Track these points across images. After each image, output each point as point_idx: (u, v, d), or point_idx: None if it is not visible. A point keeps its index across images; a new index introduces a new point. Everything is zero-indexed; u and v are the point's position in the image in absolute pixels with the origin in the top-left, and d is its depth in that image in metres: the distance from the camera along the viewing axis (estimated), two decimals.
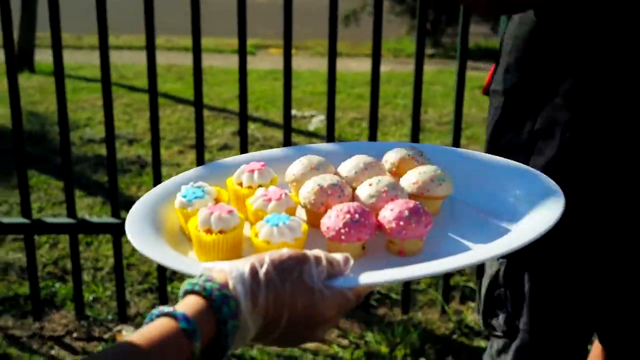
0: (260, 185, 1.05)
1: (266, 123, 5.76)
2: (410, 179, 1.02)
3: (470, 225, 0.98)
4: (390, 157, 1.10)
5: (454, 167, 1.09)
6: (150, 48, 2.68)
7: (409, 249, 0.91)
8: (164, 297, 2.94)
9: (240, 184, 1.06)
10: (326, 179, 0.98)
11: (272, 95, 6.67)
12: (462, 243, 0.93)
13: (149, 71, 2.73)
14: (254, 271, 0.75)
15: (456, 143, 2.80)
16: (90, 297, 3.09)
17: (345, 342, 2.82)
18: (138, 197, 1.17)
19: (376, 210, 0.94)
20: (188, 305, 0.72)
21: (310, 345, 2.78)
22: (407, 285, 2.95)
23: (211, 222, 0.91)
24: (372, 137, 2.91)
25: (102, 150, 4.89)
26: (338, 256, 0.81)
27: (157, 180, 2.79)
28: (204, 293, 0.73)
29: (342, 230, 0.88)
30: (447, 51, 9.70)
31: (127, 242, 3.36)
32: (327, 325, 0.79)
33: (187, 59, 9.08)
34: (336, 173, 1.06)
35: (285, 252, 0.78)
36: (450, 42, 9.94)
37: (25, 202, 2.80)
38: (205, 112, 5.91)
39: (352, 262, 0.81)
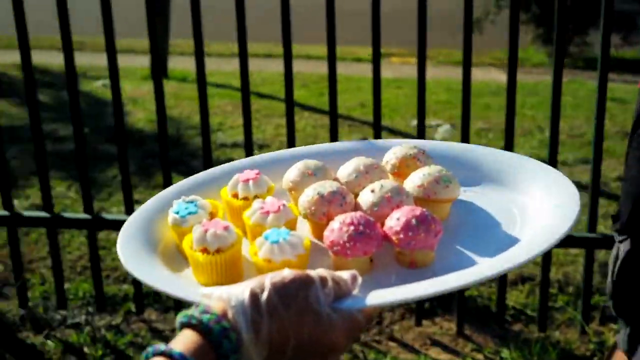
0: (256, 196, 0.97)
1: (392, 131, 5.80)
2: (415, 182, 0.93)
3: (482, 230, 0.89)
4: (391, 158, 1.01)
5: (461, 164, 1.00)
6: (288, 58, 2.76)
7: (420, 260, 0.84)
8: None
9: (236, 195, 0.98)
10: (326, 187, 0.91)
11: (396, 103, 6.71)
12: (475, 251, 0.84)
13: (285, 79, 2.81)
14: (254, 298, 0.69)
15: (597, 157, 2.74)
16: None
17: (480, 356, 2.81)
18: None
19: (381, 219, 0.87)
20: (185, 342, 0.68)
21: None
22: (545, 303, 2.89)
23: (207, 241, 0.85)
24: (508, 148, 2.88)
25: (234, 154, 5.07)
26: (345, 275, 0.74)
27: None
28: (201, 327, 0.68)
29: (347, 245, 0.82)
30: (575, 61, 9.42)
31: None
32: (337, 352, 0.72)
33: (310, 66, 9.29)
34: (335, 178, 0.98)
35: (287, 274, 0.72)
36: (577, 51, 9.65)
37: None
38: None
39: (360, 280, 0.75)
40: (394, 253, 0.86)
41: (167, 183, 2.91)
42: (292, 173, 0.99)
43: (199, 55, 2.81)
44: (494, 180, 0.97)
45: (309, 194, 0.90)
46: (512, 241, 0.83)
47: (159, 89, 2.82)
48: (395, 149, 1.01)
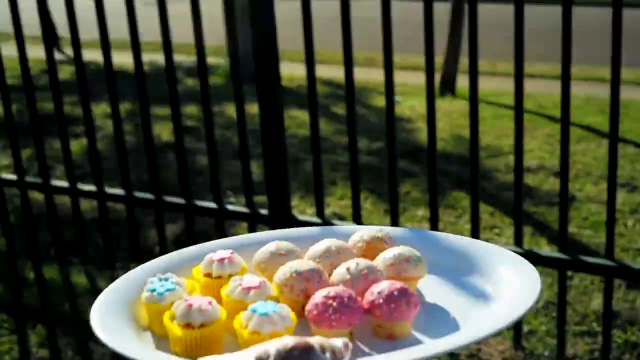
0: (230, 275, 0.98)
1: None
2: (386, 261, 0.98)
3: (448, 304, 0.95)
4: (358, 241, 1.05)
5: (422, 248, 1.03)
6: (566, 79, 2.55)
7: (398, 332, 0.88)
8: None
9: (209, 275, 0.99)
10: (302, 265, 0.94)
11: None
12: (445, 324, 0.91)
13: (562, 103, 2.60)
14: None
15: None
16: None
17: None
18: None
19: (359, 295, 0.91)
20: None
21: None
22: None
23: (191, 316, 0.85)
24: None
25: (528, 180, 4.87)
26: (338, 342, 0.76)
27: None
28: None
29: (333, 317, 0.85)
30: None
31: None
32: None
33: (606, 91, 8.65)
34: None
35: (289, 340, 0.73)
36: None
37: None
38: (631, 149, 5.57)
39: (351, 346, 0.77)
40: (372, 326, 0.90)
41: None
42: (263, 254, 1.01)
43: (473, 74, 2.68)
44: (454, 265, 1.04)
45: (286, 271, 0.94)
46: (475, 314, 0.91)
47: (430, 107, 2.74)
48: (362, 232, 1.06)
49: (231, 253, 1.00)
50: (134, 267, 1.05)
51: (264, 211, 3.08)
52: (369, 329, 0.91)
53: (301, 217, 3.08)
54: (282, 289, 0.93)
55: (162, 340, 0.90)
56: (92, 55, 5.84)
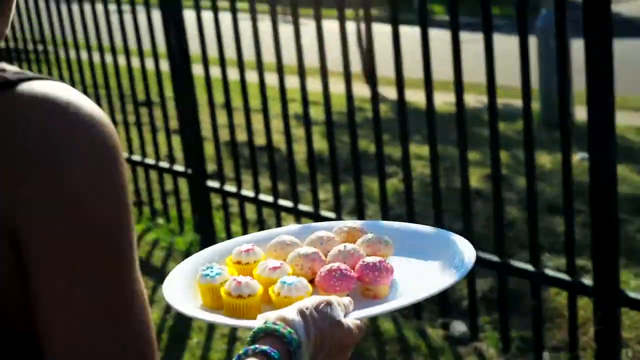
0: (255, 261, 1.32)
1: None
2: (365, 243, 1.33)
3: (409, 273, 1.28)
4: (342, 231, 1.39)
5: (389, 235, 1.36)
6: None
7: (380, 293, 1.21)
8: None
9: (238, 262, 1.33)
10: (306, 250, 1.30)
11: None
12: (409, 286, 1.24)
13: None
14: (302, 314, 0.99)
15: None
16: None
17: None
18: None
19: (351, 267, 1.24)
20: (270, 343, 0.94)
21: None
22: None
23: (242, 290, 1.19)
24: None
25: None
26: (345, 299, 1.08)
27: None
28: (277, 333, 0.95)
29: (336, 284, 1.19)
30: None
31: None
32: (350, 350, 1.04)
33: None
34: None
35: (317, 299, 1.03)
36: None
37: None
38: None
39: (352, 303, 1.09)
40: (361, 290, 1.23)
41: None
42: (275, 244, 1.36)
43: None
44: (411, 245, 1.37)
45: (295, 255, 1.29)
46: (430, 280, 1.23)
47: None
48: (341, 226, 1.41)
49: (252, 246, 1.35)
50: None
51: (587, 281, 2.73)
52: (359, 292, 1.23)
53: (632, 295, 2.67)
54: (294, 268, 1.26)
55: (215, 311, 1.22)
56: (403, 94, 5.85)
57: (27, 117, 0.72)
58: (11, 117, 0.72)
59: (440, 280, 1.19)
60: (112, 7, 4.38)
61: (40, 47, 5.29)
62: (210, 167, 4.80)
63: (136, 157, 4.75)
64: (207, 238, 4.31)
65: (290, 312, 0.98)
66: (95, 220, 0.73)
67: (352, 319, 1.05)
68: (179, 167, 4.45)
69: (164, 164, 4.54)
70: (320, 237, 1.37)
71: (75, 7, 4.72)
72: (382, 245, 1.32)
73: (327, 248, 1.33)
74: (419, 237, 1.38)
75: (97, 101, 4.77)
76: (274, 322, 0.96)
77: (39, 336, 0.73)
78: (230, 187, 4.16)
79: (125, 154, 4.63)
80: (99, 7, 4.50)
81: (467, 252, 1.24)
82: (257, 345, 0.92)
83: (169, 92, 4.40)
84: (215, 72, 4.04)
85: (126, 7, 4.36)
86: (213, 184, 4.28)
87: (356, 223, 1.43)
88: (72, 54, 4.90)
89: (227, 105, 3.95)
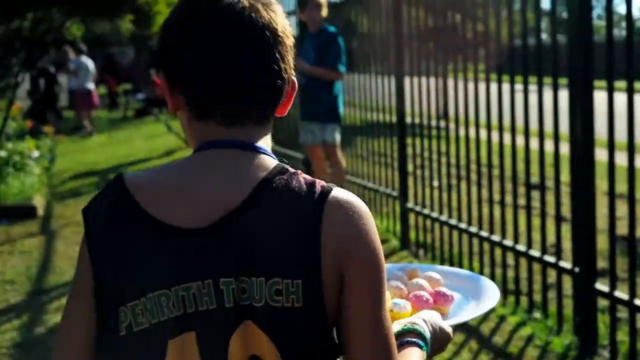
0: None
1: None
2: (428, 280, 1.75)
3: (458, 302, 1.68)
4: (424, 282, 1.74)
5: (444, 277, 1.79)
6: None
7: (446, 312, 1.61)
8: None
9: None
10: (392, 283, 1.69)
11: None
12: (460, 310, 1.64)
13: None
14: (424, 320, 1.39)
15: None
16: None
17: None
18: None
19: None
20: (414, 337, 1.34)
21: None
22: None
23: (391, 307, 1.56)
24: None
25: None
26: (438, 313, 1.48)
27: None
28: (416, 332, 1.35)
29: (425, 304, 1.59)
30: None
31: None
32: (447, 344, 1.43)
33: None
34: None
35: (428, 311, 1.47)
36: None
37: None
38: None
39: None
40: (433, 309, 1.60)
41: None
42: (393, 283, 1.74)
43: None
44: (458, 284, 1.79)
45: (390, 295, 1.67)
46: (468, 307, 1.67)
47: None
48: (424, 277, 1.78)
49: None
50: None
51: None
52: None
53: None
54: (393, 296, 1.66)
55: None
56: None
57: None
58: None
59: (481, 307, 1.61)
60: (518, 87, 4.27)
61: (442, 124, 5.39)
62: (601, 263, 4.32)
63: (520, 247, 4.46)
64: (587, 342, 3.84)
65: (417, 319, 1.40)
66: (378, 270, 1.24)
67: (447, 324, 1.47)
68: (565, 264, 4.06)
69: (549, 258, 4.19)
70: (399, 278, 1.79)
71: (481, 86, 4.72)
72: (439, 281, 1.76)
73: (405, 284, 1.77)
74: (465, 277, 1.81)
75: (489, 180, 4.67)
76: (413, 324, 1.38)
77: (345, 336, 1.22)
78: (621, 294, 3.67)
79: (509, 242, 4.44)
80: (505, 87, 4.43)
81: (492, 290, 1.67)
82: (408, 338, 1.35)
83: (564, 176, 4.09)
84: (620, 159, 3.64)
85: (532, 87, 4.22)
86: (601, 286, 3.82)
87: (413, 265, 1.89)
88: (472, 131, 4.88)
89: (630, 196, 3.51)
